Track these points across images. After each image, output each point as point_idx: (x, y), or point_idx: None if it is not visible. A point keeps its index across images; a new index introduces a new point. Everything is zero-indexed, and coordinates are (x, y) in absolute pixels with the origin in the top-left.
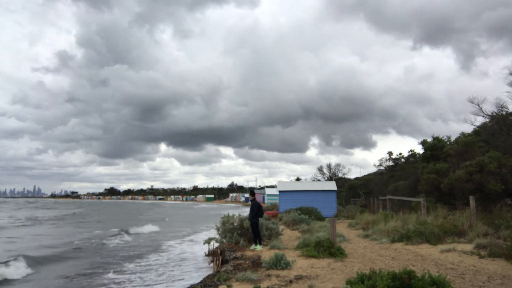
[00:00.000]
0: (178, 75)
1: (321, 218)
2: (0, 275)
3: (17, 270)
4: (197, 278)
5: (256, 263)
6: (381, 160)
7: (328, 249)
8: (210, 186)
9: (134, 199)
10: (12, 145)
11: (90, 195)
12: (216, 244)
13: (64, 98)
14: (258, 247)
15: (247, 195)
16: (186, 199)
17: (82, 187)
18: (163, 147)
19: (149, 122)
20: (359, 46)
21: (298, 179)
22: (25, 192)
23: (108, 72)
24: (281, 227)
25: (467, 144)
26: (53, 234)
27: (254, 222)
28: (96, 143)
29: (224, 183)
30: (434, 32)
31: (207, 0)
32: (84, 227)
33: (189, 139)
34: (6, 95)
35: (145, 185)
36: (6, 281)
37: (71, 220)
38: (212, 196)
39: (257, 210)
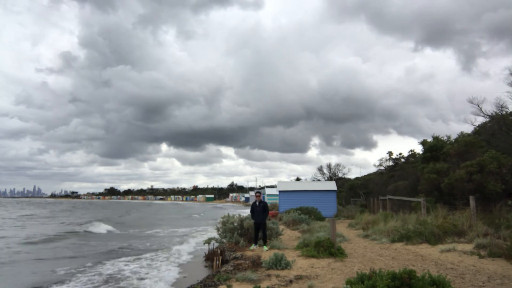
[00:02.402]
0: (181, 76)
1: (321, 218)
2: None
3: None
4: None
5: (256, 263)
6: (381, 160)
7: (328, 249)
8: (210, 186)
9: (134, 199)
10: (14, 145)
11: (90, 195)
12: (216, 244)
13: (68, 99)
14: (266, 247)
15: (247, 195)
16: (186, 199)
17: (82, 187)
18: (164, 147)
19: (151, 123)
20: (361, 47)
21: (298, 179)
22: (25, 192)
23: (111, 73)
24: (281, 227)
25: (467, 144)
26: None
27: (264, 223)
28: (98, 143)
29: (224, 183)
30: (435, 34)
31: (212, 2)
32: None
33: (190, 139)
34: (9, 95)
35: (145, 185)
36: None
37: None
38: (212, 196)
39: (268, 211)
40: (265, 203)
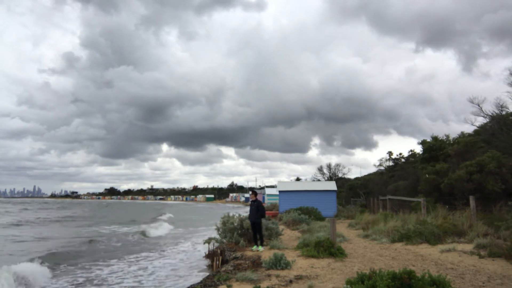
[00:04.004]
0: (182, 76)
1: (321, 218)
2: None
3: None
4: None
5: (256, 263)
6: (381, 160)
7: (328, 249)
8: (210, 186)
9: (134, 199)
10: (15, 146)
11: (90, 195)
12: (216, 244)
13: (70, 99)
14: (261, 248)
15: (247, 195)
16: (186, 199)
17: (82, 187)
18: (165, 147)
19: (152, 123)
20: (361, 48)
21: (298, 179)
22: (25, 192)
23: (113, 73)
24: (281, 227)
25: (467, 144)
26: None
27: (259, 222)
28: (99, 143)
29: (224, 183)
30: (436, 35)
31: (214, 3)
32: None
33: (191, 139)
34: (11, 96)
35: (146, 185)
36: None
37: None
38: (212, 196)
39: (262, 210)
40: (259, 202)
